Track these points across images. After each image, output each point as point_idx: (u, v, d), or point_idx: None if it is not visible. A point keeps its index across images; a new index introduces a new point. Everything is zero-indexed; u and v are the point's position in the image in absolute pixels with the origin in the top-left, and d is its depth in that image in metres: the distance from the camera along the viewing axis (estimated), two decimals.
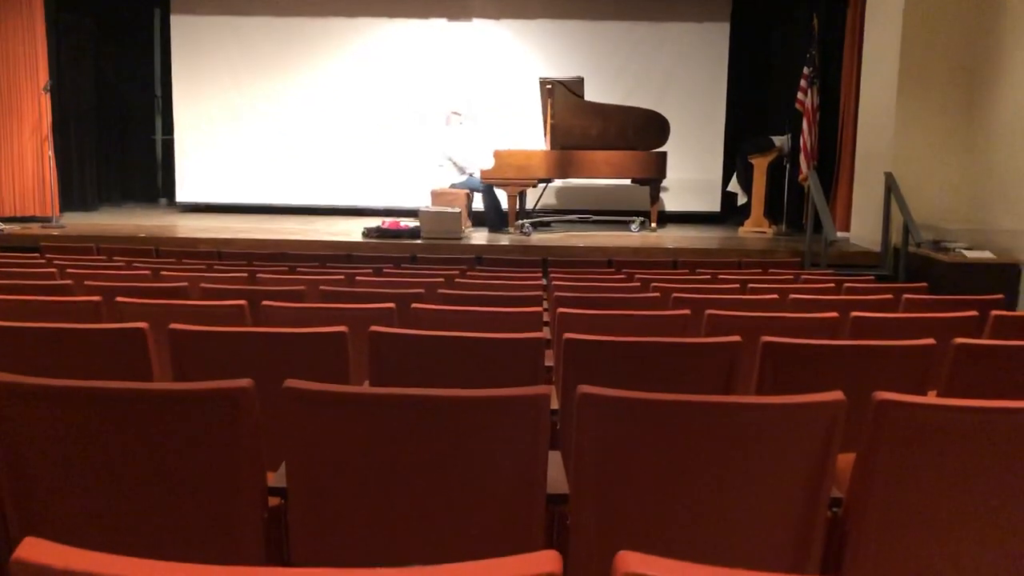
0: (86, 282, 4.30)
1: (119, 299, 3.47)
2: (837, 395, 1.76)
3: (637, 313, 3.70)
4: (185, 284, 4.27)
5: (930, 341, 2.69)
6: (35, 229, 8.88)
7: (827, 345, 2.74)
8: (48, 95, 9.54)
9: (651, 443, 1.76)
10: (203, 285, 4.34)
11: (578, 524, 1.80)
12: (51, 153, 9.52)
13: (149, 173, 12.23)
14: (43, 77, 9.59)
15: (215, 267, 5.89)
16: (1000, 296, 4.32)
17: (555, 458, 2.05)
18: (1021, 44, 7.12)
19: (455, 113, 10.12)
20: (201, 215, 10.81)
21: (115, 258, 6.38)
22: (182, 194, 11.41)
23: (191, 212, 11.11)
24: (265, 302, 3.43)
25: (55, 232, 8.70)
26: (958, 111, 7.98)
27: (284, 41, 11.18)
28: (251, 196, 11.20)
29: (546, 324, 3.98)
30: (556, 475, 1.94)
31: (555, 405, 2.57)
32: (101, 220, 10.02)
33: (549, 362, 3.10)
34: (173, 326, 2.64)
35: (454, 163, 9.83)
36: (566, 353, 2.60)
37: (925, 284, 5.46)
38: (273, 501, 1.88)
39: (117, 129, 11.81)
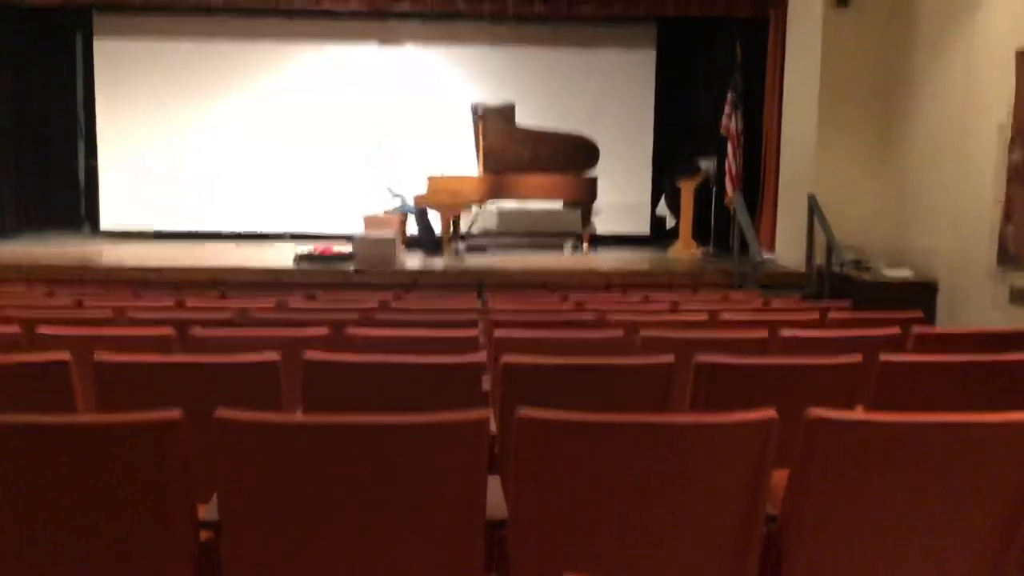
0: (5, 312, 4.15)
1: (40, 329, 3.35)
2: (770, 413, 1.79)
3: (573, 335, 3.72)
4: (110, 313, 4.15)
5: (856, 358, 2.77)
6: None
7: (758, 364, 2.79)
8: None
9: (590, 464, 1.76)
10: (129, 314, 4.22)
11: (518, 548, 1.79)
12: None
13: (72, 199, 11.84)
14: None
15: (141, 295, 5.74)
16: (919, 313, 4.46)
17: (494, 483, 2.04)
18: (933, 69, 7.43)
19: (384, 141, 10.08)
20: (126, 241, 10.50)
21: (35, 286, 6.17)
22: (106, 221, 11.09)
23: (116, 238, 10.80)
24: (194, 330, 3.35)
25: None
26: (876, 133, 8.28)
27: (212, 66, 11.01)
28: (178, 223, 10.94)
29: (483, 347, 3.97)
30: (495, 500, 1.93)
31: (493, 429, 2.56)
32: (20, 247, 9.68)
33: (487, 386, 3.09)
34: (98, 357, 2.56)
35: (389, 190, 9.80)
36: (504, 376, 2.59)
37: (849, 302, 5.61)
38: (205, 535, 1.83)
39: (38, 155, 11.43)
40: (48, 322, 3.55)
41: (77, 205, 11.83)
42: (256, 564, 1.76)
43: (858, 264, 7.53)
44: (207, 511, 1.86)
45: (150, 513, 1.74)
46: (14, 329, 3.39)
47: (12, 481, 1.69)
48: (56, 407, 2.49)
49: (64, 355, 2.58)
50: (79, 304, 4.91)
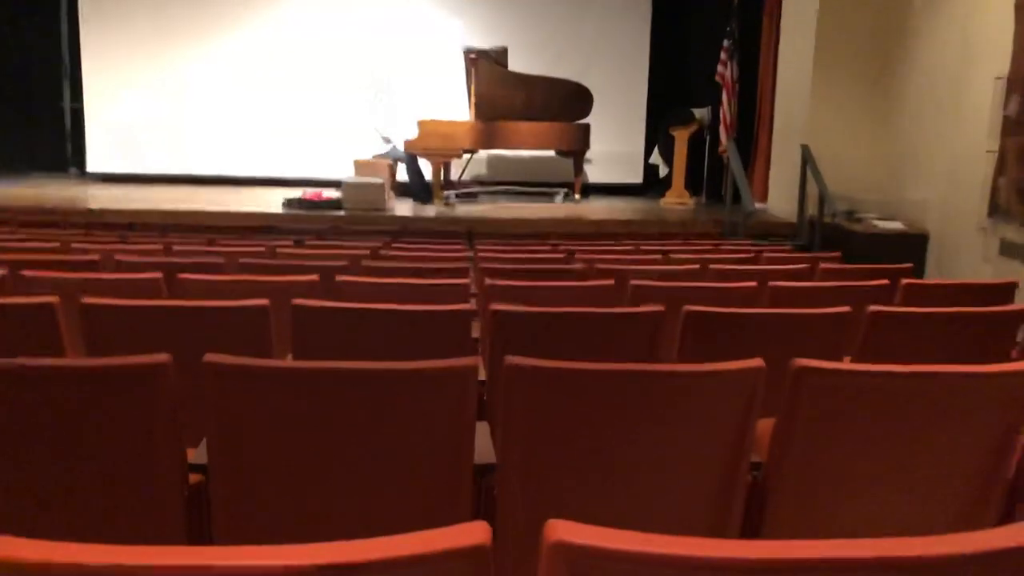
0: None
1: (26, 272, 3.32)
2: (757, 362, 1.80)
3: (563, 284, 3.72)
4: (97, 257, 4.12)
5: (845, 308, 2.78)
6: None
7: (746, 313, 2.80)
8: None
9: (577, 412, 1.77)
10: (117, 258, 4.19)
11: (506, 494, 1.81)
12: None
13: (58, 142, 11.69)
14: None
15: (129, 239, 5.70)
16: (910, 265, 4.48)
17: (482, 429, 2.05)
18: (932, 19, 7.34)
19: (377, 82, 9.95)
20: (113, 185, 10.41)
21: (20, 230, 6.11)
22: (93, 164, 10.97)
23: (103, 182, 10.70)
24: (182, 275, 3.33)
25: None
26: (872, 84, 8.21)
27: (202, 5, 10.79)
28: (167, 166, 10.84)
29: (473, 296, 3.97)
30: (484, 446, 1.95)
31: (482, 376, 2.57)
32: (5, 190, 9.58)
33: (476, 334, 3.10)
34: (85, 300, 2.55)
35: (380, 135, 9.70)
36: (493, 324, 2.60)
37: (839, 254, 5.62)
38: (194, 478, 1.84)
39: (22, 96, 11.25)
40: (34, 265, 3.53)
41: (63, 148, 11.68)
42: (245, 507, 1.77)
43: (850, 215, 7.53)
44: (196, 455, 1.86)
45: (139, 456, 1.74)
46: (0, 272, 3.36)
47: (1, 424, 1.69)
48: (43, 350, 2.49)
49: (51, 298, 2.57)
50: (66, 248, 4.88)
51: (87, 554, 0.86)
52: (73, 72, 11.26)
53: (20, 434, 1.70)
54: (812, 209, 7.79)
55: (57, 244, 5.00)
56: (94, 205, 8.47)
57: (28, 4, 11.15)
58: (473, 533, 0.90)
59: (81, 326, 2.56)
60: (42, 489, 1.73)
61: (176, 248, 5.03)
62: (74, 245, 4.97)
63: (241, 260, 4.21)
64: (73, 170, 11.52)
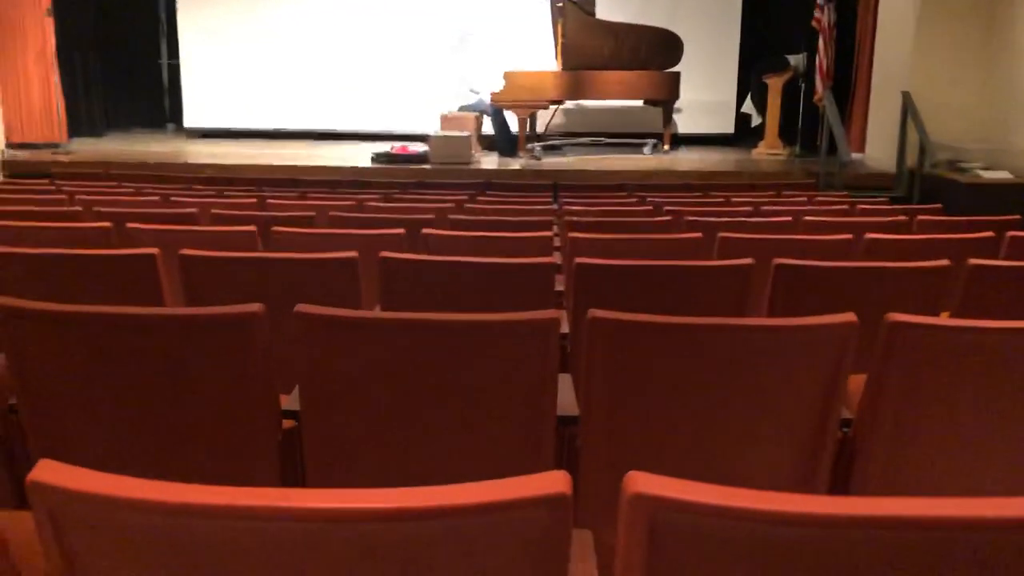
0: (96, 208, 4.30)
1: (130, 225, 3.46)
2: (849, 317, 1.75)
3: (649, 237, 3.67)
4: (195, 210, 4.26)
5: (944, 262, 2.67)
6: (44, 155, 8.84)
7: (839, 267, 2.72)
8: (51, 19, 9.38)
9: (661, 366, 1.76)
10: (213, 211, 4.33)
11: (587, 445, 1.82)
12: (56, 79, 9.41)
13: (156, 98, 12.09)
14: (44, 1, 9.42)
15: (225, 193, 5.87)
16: (1017, 217, 4.26)
17: (566, 381, 2.06)
18: None
19: (467, 34, 9.92)
20: (209, 140, 10.72)
21: (124, 184, 6.36)
22: (190, 119, 11.30)
23: (199, 137, 11.02)
24: (275, 228, 3.42)
25: (64, 158, 8.66)
26: (979, 26, 7.76)
27: None
28: (260, 121, 11.08)
29: (557, 249, 3.96)
30: (566, 398, 1.96)
31: (566, 329, 2.58)
32: (109, 146, 9.97)
33: (560, 287, 3.10)
34: (183, 252, 2.64)
35: (465, 85, 9.69)
36: (577, 277, 2.59)
37: (940, 205, 5.39)
38: (287, 423, 1.91)
39: (122, 53, 11.63)
40: (136, 218, 3.67)
41: (162, 104, 12.07)
42: (336, 452, 1.83)
43: (952, 165, 7.20)
44: (289, 401, 1.93)
45: (234, 402, 1.81)
46: (106, 224, 3.51)
47: (103, 371, 1.78)
48: (145, 300, 2.60)
49: (152, 250, 2.67)
50: (165, 201, 5.06)
51: (190, 494, 0.90)
52: (170, 30, 11.56)
53: (123, 380, 1.79)
54: (912, 159, 7.48)
55: (157, 198, 5.19)
56: (191, 160, 8.74)
57: None
58: (554, 482, 0.91)
59: (180, 277, 2.66)
60: (144, 432, 1.82)
61: (269, 202, 5.15)
62: (173, 199, 5.15)
63: (331, 213, 4.30)
64: (171, 126, 11.90)
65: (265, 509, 0.89)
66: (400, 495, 0.90)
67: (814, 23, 9.45)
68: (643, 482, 0.90)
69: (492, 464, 1.81)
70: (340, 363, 1.78)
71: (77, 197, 5.09)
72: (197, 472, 1.84)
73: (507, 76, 9.10)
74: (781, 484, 1.82)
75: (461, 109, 9.65)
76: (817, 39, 9.40)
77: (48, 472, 0.92)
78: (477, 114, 9.57)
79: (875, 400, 1.83)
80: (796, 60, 9.63)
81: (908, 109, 7.49)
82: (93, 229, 3.50)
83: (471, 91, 9.82)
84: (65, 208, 4.55)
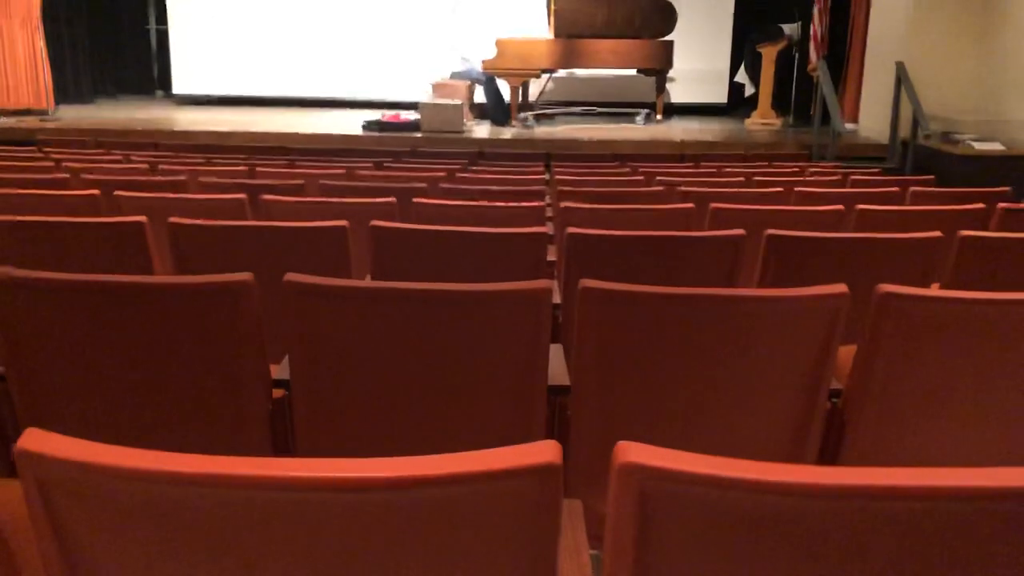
0: (84, 175, 4.26)
1: (117, 192, 3.43)
2: (840, 288, 1.75)
3: (641, 207, 3.66)
4: (184, 178, 4.23)
5: (935, 233, 2.67)
6: (31, 122, 8.75)
7: (831, 238, 2.71)
8: None
9: (652, 336, 1.76)
10: (202, 179, 4.29)
11: (578, 415, 1.82)
12: (42, 44, 9.28)
13: (144, 64, 11.95)
14: None
15: (214, 160, 5.82)
16: (1007, 189, 4.26)
17: (556, 351, 2.06)
18: None
19: (459, 2, 9.83)
20: (198, 107, 10.62)
21: (112, 151, 6.30)
22: (178, 86, 11.18)
23: (188, 104, 10.92)
24: (265, 196, 3.39)
25: (51, 125, 8.57)
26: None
27: None
28: (250, 88, 10.98)
29: (549, 219, 3.95)
30: (557, 368, 1.96)
31: (557, 299, 2.58)
32: (97, 113, 9.86)
33: (552, 257, 3.09)
34: (172, 220, 2.62)
35: (456, 52, 9.61)
36: (568, 247, 2.58)
37: (932, 177, 5.39)
38: (277, 393, 1.90)
39: (109, 19, 11.48)
40: (125, 186, 3.64)
41: (150, 71, 11.94)
42: (326, 421, 1.83)
43: (945, 137, 7.19)
44: (279, 371, 1.92)
45: (224, 371, 1.81)
46: (93, 192, 3.48)
47: (92, 339, 1.77)
48: (134, 268, 2.58)
49: (140, 217, 2.65)
50: (154, 169, 5.02)
51: (179, 462, 0.90)
52: None
53: (113, 349, 1.78)
54: (905, 131, 7.46)
55: (146, 165, 5.14)
56: (180, 127, 8.66)
57: None
58: (544, 452, 0.91)
59: (169, 245, 2.64)
60: (134, 401, 1.81)
61: (259, 170, 5.11)
62: (162, 166, 5.11)
63: (321, 182, 4.27)
64: (159, 92, 11.78)
65: (255, 478, 0.89)
66: (391, 465, 0.90)
67: None
68: (633, 452, 0.90)
69: (483, 434, 1.81)
70: (330, 332, 1.77)
71: (64, 164, 5.04)
72: (187, 441, 1.83)
73: (499, 44, 9.02)
74: (771, 454, 1.83)
75: (453, 76, 9.58)
76: (812, 8, 9.34)
77: (35, 441, 0.92)
78: (469, 82, 9.49)
79: (865, 371, 1.83)
80: (791, 29, 9.57)
81: (902, 80, 7.46)
82: (81, 197, 3.47)
83: (462, 59, 9.74)
84: (52, 175, 4.51)
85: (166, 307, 1.77)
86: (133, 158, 5.72)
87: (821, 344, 1.77)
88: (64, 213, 2.93)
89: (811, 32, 9.38)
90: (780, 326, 1.77)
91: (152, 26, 11.72)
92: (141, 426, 1.83)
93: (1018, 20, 7.17)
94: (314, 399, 1.81)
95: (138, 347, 1.77)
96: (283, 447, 1.92)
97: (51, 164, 5.13)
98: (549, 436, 1.85)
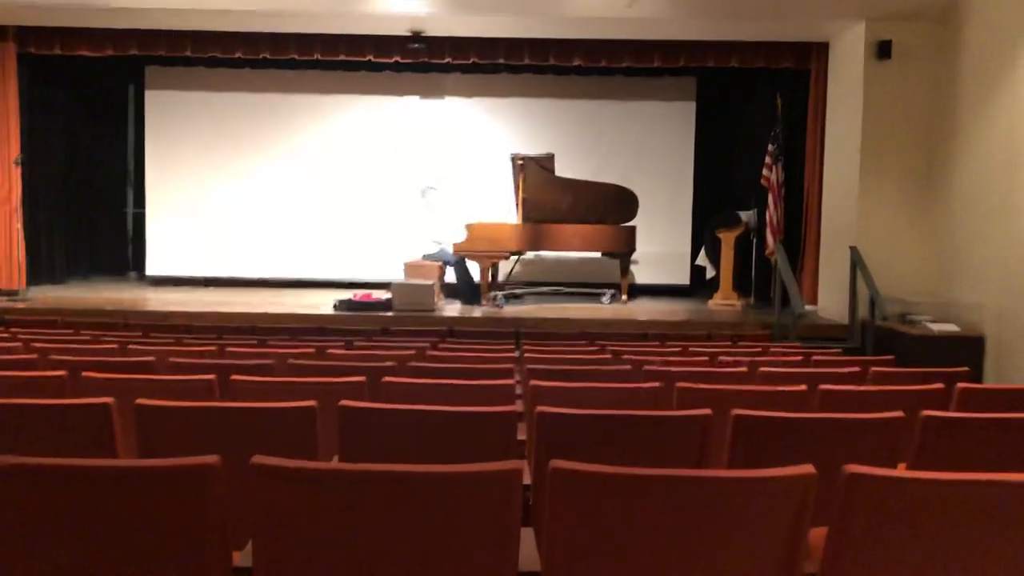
0: (51, 356, 4.24)
1: (85, 374, 3.41)
2: (808, 469, 1.76)
3: (609, 386, 3.70)
4: (152, 359, 4.22)
5: (898, 414, 2.71)
6: (1, 302, 8.75)
7: (797, 418, 2.75)
8: (19, 168, 9.51)
9: (625, 518, 1.75)
10: (171, 359, 4.29)
11: None
12: (19, 226, 9.43)
13: (119, 246, 12.15)
14: (15, 150, 9.57)
15: (184, 341, 5.83)
16: (965, 369, 4.37)
17: (527, 535, 2.02)
18: (976, 120, 7.37)
19: (430, 188, 10.25)
20: (171, 288, 10.72)
21: (82, 332, 6.30)
22: (152, 267, 11.33)
23: (161, 285, 11.03)
24: (234, 376, 3.39)
25: (20, 305, 8.58)
26: (919, 186, 8.21)
27: (257, 117, 11.28)
28: (222, 269, 11.15)
29: (519, 397, 3.96)
30: (528, 552, 1.92)
31: (528, 480, 2.55)
32: (68, 293, 9.91)
33: (522, 435, 3.08)
34: (139, 402, 2.60)
35: (433, 240, 9.94)
36: (539, 426, 2.59)
37: (892, 357, 5.51)
38: None
39: (88, 202, 11.75)
40: (93, 366, 3.62)
41: (125, 252, 12.13)
42: None
43: (902, 318, 7.42)
44: (241, 558, 1.86)
45: (185, 558, 1.75)
46: (60, 373, 3.46)
47: (52, 523, 1.71)
48: (97, 450, 2.53)
49: (106, 399, 2.63)
50: (123, 349, 5.00)
51: None
52: (137, 179, 11.76)
53: (71, 532, 1.72)
54: (863, 311, 7.69)
55: (115, 346, 5.13)
56: (151, 307, 8.70)
57: (98, 116, 11.76)
58: None
59: (135, 427, 2.61)
60: None
61: (229, 349, 5.12)
62: (131, 347, 5.10)
63: (290, 361, 4.28)
64: (132, 273, 11.91)
65: None
66: None
67: (763, 181, 9.91)
68: None
69: None
70: (296, 516, 1.74)
71: (32, 345, 5.02)
72: None
73: (469, 228, 9.33)
74: None
75: (425, 258, 9.83)
76: (767, 196, 9.83)
77: None
78: (440, 263, 9.74)
79: (838, 553, 1.81)
80: (747, 216, 10.02)
81: (857, 263, 7.77)
82: (47, 378, 3.44)
83: (434, 241, 10.04)
84: (19, 356, 4.48)
85: (127, 491, 1.73)
86: (103, 339, 5.71)
87: (792, 526, 1.76)
88: (30, 395, 2.90)
89: (767, 218, 9.82)
90: (750, 507, 1.77)
91: (130, 209, 12.00)
92: None
93: (958, 209, 7.59)
94: None
95: (99, 531, 1.72)
96: None
97: (18, 344, 5.11)
98: None
